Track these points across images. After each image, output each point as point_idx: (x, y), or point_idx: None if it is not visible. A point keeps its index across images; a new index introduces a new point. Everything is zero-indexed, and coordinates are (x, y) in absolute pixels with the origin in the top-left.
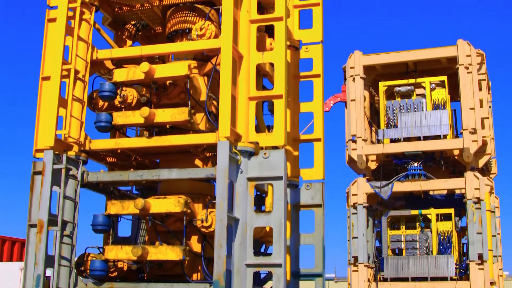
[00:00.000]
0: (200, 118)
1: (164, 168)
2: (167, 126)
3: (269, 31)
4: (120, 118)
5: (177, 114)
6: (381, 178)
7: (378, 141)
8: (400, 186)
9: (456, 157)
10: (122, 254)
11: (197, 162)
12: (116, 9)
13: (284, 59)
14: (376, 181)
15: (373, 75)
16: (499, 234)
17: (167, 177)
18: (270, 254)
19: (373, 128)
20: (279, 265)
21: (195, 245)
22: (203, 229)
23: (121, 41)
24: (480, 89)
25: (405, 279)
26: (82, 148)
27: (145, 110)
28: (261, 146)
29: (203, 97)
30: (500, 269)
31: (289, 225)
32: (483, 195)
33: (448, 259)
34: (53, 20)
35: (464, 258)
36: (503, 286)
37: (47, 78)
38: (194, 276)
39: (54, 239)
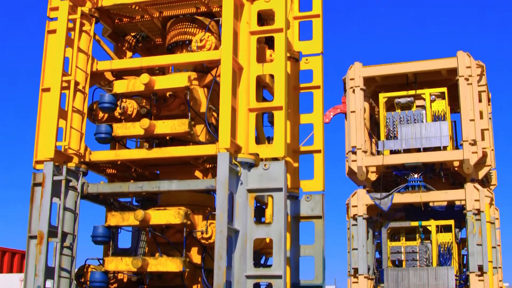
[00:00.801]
0: (200, 130)
1: (164, 180)
2: (167, 138)
3: (269, 42)
4: (120, 129)
5: (177, 126)
6: (381, 190)
7: (378, 153)
8: (400, 198)
9: (456, 169)
10: (122, 265)
11: (197, 173)
12: (116, 21)
13: (284, 70)
14: (376, 193)
15: (373, 87)
16: (499, 245)
17: (167, 188)
18: (270, 266)
19: (373, 140)
20: (279, 277)
21: (195, 257)
22: (203, 241)
23: (121, 52)
24: (480, 101)
25: None
26: (82, 160)
27: (145, 122)
28: (261, 157)
29: (203, 109)
30: (500, 281)
31: (289, 236)
32: (483, 206)
33: (448, 270)
34: (53, 31)
35: (464, 270)
36: None
37: (47, 90)
38: None
39: (54, 251)
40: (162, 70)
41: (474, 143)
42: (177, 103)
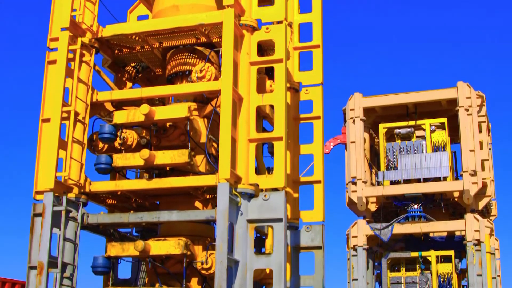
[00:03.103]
0: (200, 160)
1: (164, 210)
2: (167, 168)
3: (269, 73)
4: (120, 160)
5: (177, 156)
6: (381, 220)
7: (378, 183)
8: (400, 228)
9: (456, 199)
10: None
11: (197, 204)
12: (116, 51)
13: (284, 101)
14: (376, 223)
15: (373, 117)
16: (499, 276)
17: (167, 219)
18: None
19: (373, 170)
20: None
21: (195, 287)
22: (203, 271)
23: (121, 83)
24: (480, 131)
25: None
26: (82, 190)
27: (145, 152)
28: (261, 188)
29: (203, 139)
30: None
31: (289, 267)
32: (483, 237)
33: None
34: (53, 62)
35: None
36: None
37: (47, 120)
38: None
39: (54, 281)
40: (162, 101)
41: (474, 173)
42: (177, 134)
